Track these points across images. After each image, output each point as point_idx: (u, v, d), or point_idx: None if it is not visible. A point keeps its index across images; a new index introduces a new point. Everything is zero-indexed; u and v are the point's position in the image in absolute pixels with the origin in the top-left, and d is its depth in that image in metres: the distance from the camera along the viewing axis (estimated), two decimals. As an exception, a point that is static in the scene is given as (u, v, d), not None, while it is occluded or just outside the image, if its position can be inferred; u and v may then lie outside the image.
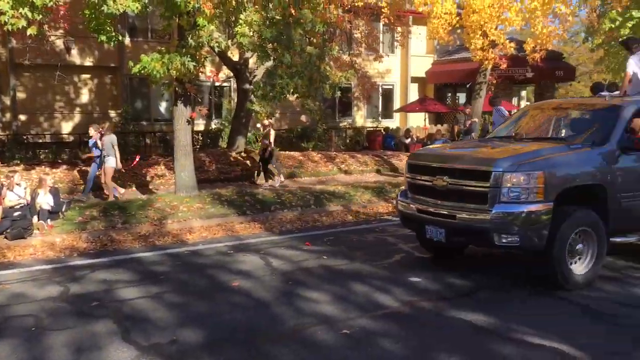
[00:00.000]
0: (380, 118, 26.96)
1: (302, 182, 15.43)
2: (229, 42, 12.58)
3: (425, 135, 23.94)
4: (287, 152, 19.62)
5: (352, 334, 5.01)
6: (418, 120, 26.63)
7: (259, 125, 16.17)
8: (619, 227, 6.57)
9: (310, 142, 23.17)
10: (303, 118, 24.37)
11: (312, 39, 12.23)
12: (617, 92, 8.45)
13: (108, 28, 10.65)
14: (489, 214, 5.97)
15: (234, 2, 10.45)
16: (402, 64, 27.36)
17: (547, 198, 5.93)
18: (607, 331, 5.11)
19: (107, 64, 20.70)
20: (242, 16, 10.71)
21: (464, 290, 6.26)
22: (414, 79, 27.56)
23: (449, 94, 28.98)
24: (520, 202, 5.91)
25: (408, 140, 22.54)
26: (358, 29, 20.81)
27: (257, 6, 10.92)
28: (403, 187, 7.48)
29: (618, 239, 6.63)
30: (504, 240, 5.95)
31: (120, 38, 11.24)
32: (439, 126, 25.53)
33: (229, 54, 16.81)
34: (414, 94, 27.43)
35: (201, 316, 5.54)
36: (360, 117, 26.92)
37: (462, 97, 28.02)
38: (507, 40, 16.16)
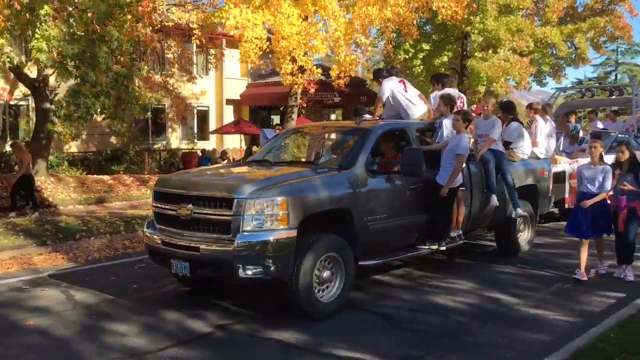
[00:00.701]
0: (196, 139, 26.64)
1: (112, 207, 14.60)
2: (24, 57, 11.56)
3: (241, 157, 24.15)
4: (95, 175, 18.51)
5: (162, 365, 4.82)
6: (234, 142, 26.79)
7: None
8: (368, 250, 6.54)
9: (121, 164, 22.09)
10: (113, 139, 23.16)
11: (119, 57, 11.73)
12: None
13: None
14: (232, 244, 5.60)
15: (27, 15, 9.63)
16: (217, 86, 27.41)
17: (291, 225, 5.68)
18: (406, 337, 5.54)
19: None
20: (38, 30, 9.91)
21: (275, 309, 6.34)
22: (229, 101, 27.75)
23: (264, 116, 29.64)
24: (264, 230, 5.60)
25: (224, 162, 22.54)
26: (170, 50, 20.41)
27: (57, 20, 10.19)
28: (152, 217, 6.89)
29: (367, 263, 6.56)
30: (249, 272, 5.58)
31: None
32: (254, 147, 25.91)
33: (26, 70, 15.42)
34: (229, 116, 27.58)
35: (-13, 363, 4.94)
36: (176, 139, 26.34)
37: (276, 119, 28.83)
38: (315, 67, 17.01)
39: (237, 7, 14.99)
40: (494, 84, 24.43)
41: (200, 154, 24.30)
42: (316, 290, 5.93)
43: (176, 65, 21.68)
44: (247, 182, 5.96)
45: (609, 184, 7.41)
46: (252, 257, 5.57)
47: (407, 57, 26.10)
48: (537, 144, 9.74)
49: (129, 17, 11.21)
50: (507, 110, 9.30)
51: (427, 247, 7.28)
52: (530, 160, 9.23)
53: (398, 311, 6.28)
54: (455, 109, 7.85)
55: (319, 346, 5.24)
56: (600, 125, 14.17)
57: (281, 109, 25.19)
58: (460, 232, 7.56)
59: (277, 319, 6.00)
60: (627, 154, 7.50)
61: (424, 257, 7.99)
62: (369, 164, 6.61)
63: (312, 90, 18.79)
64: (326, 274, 6.04)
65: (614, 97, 15.16)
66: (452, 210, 7.40)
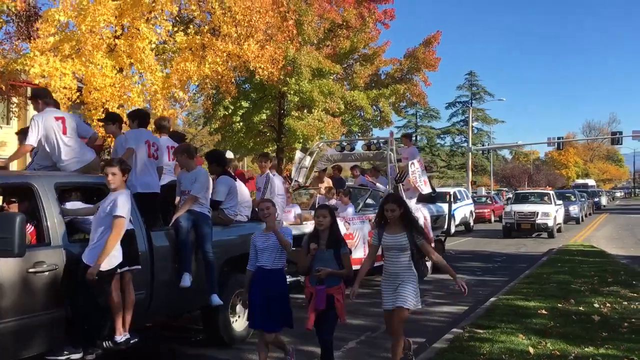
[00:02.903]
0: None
1: None
2: None
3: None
4: None
5: None
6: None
7: None
8: None
9: None
10: None
11: None
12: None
13: None
14: None
15: None
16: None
17: None
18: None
19: None
20: None
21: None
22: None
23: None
24: None
25: None
26: (-37, 96, 18.42)
27: None
28: None
29: None
30: None
31: None
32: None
33: None
34: (34, 169, 25.37)
35: None
36: (-33, 194, 23.47)
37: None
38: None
39: (44, 55, 14.10)
40: (310, 141, 25.65)
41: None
42: None
43: (-30, 113, 19.61)
44: None
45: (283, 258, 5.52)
46: None
47: (227, 113, 26.44)
48: None
49: None
50: (216, 160, 7.67)
51: (64, 357, 4.98)
52: (251, 223, 7.49)
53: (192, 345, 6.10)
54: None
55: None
56: (364, 180, 13.02)
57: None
58: (128, 335, 5.41)
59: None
60: (327, 221, 5.31)
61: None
62: None
63: (128, 143, 18.04)
64: None
65: (370, 151, 13.72)
66: (111, 301, 5.27)
